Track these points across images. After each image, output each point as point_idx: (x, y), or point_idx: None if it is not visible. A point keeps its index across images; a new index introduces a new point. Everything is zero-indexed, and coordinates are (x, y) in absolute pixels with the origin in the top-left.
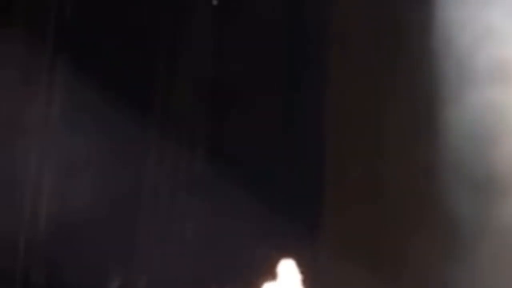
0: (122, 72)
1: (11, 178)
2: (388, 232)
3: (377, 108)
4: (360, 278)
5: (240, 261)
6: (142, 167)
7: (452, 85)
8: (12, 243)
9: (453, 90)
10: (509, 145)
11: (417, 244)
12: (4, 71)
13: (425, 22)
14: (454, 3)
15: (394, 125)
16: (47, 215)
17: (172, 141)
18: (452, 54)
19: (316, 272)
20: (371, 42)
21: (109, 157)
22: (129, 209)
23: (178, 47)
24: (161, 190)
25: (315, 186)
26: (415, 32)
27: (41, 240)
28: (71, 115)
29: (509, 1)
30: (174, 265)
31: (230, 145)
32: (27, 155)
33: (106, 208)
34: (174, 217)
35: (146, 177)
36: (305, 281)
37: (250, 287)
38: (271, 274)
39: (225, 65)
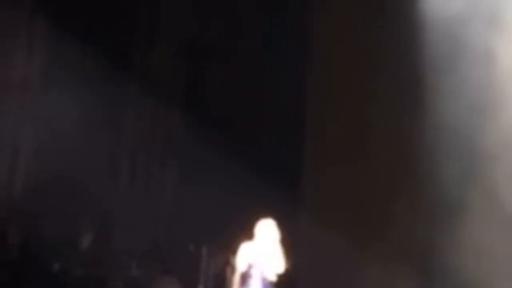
0: (102, 28)
1: None
2: (371, 194)
3: (361, 71)
4: (341, 239)
5: (218, 221)
6: (121, 124)
7: (441, 53)
8: None
9: (442, 58)
10: (497, 114)
11: (401, 206)
12: None
13: None
14: None
15: (379, 90)
16: (25, 173)
17: (151, 98)
18: (442, 22)
19: (297, 233)
20: (356, 9)
21: (89, 114)
22: (107, 167)
23: (159, 2)
24: (139, 147)
25: (295, 147)
26: None
27: (18, 199)
28: (51, 72)
29: None
30: (151, 224)
31: (209, 103)
32: (6, 112)
33: (85, 165)
34: (152, 176)
35: (125, 134)
36: (284, 240)
37: (228, 247)
38: (250, 234)
39: (205, 22)
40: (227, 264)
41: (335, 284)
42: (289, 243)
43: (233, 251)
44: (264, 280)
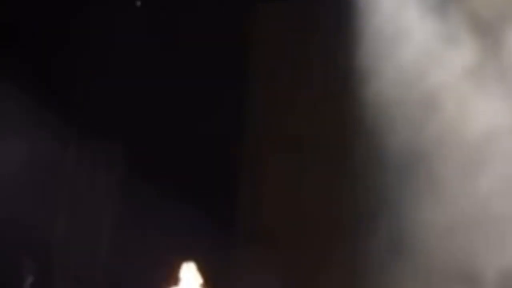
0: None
1: None
2: (309, 233)
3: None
4: (277, 279)
5: (149, 264)
6: (61, 165)
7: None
8: None
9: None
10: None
11: (339, 243)
12: None
13: None
14: None
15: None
16: None
17: (91, 140)
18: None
19: (229, 274)
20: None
21: (28, 156)
22: (46, 208)
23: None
24: (79, 188)
25: (229, 184)
26: None
27: None
28: None
29: None
30: (88, 267)
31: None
32: None
33: (24, 205)
34: (90, 220)
35: (65, 175)
36: (205, 285)
37: None
38: (174, 278)
39: None
40: None
41: None
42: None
43: None
44: None
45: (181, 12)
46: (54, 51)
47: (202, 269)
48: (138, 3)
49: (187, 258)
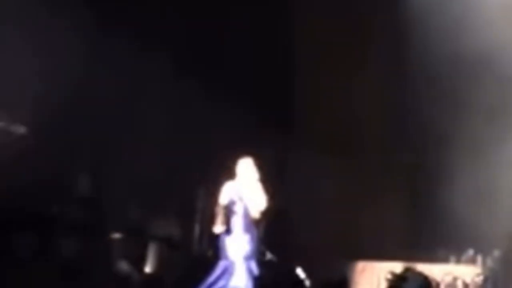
0: None
1: None
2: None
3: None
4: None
5: (215, 161)
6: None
7: None
8: None
9: None
10: None
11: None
12: None
13: None
14: None
15: None
16: None
17: None
18: None
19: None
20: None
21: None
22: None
23: None
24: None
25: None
26: None
27: None
28: None
29: None
30: (148, 164)
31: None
32: None
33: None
34: (152, 120)
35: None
36: (263, 179)
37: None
38: (231, 173)
39: None
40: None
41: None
42: (277, 182)
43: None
44: (247, 217)
45: None
46: None
47: (260, 165)
48: None
49: (244, 153)
